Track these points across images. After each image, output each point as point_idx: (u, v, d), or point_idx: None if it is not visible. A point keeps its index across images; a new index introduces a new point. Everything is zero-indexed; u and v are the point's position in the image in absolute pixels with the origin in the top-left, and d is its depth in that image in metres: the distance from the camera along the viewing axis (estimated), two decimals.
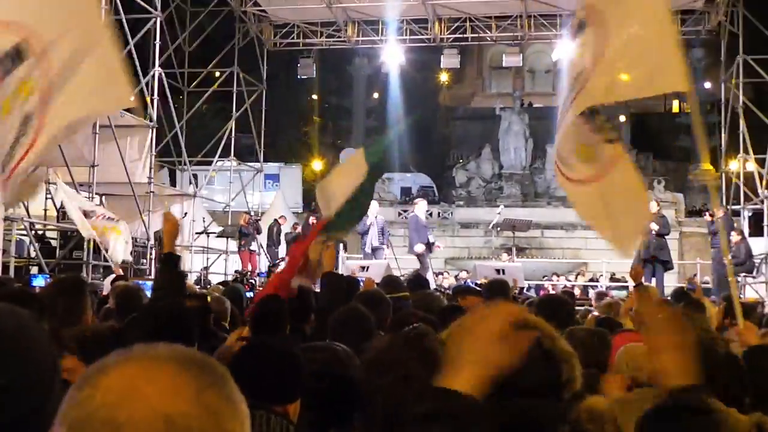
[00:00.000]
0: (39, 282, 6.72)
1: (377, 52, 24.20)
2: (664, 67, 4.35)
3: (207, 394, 1.03)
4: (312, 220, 18.04)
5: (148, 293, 6.10)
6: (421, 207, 16.20)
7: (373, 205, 15.66)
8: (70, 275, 6.87)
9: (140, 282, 6.68)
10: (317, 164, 40.41)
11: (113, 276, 9.98)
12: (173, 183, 24.11)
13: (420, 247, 15.06)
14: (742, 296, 13.78)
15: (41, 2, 5.82)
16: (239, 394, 1.08)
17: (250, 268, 18.63)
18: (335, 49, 25.48)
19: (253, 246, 19.53)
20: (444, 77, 43.07)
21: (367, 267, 14.05)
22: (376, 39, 22.90)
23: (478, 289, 8.22)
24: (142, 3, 17.62)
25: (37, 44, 5.48)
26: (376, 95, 44.64)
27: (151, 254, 16.77)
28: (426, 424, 1.49)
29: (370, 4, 21.18)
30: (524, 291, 13.73)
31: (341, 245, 20.48)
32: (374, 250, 16.12)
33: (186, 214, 18.81)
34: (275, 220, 20.94)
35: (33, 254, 14.74)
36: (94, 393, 1.01)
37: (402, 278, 17.20)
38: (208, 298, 5.55)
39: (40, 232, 16.13)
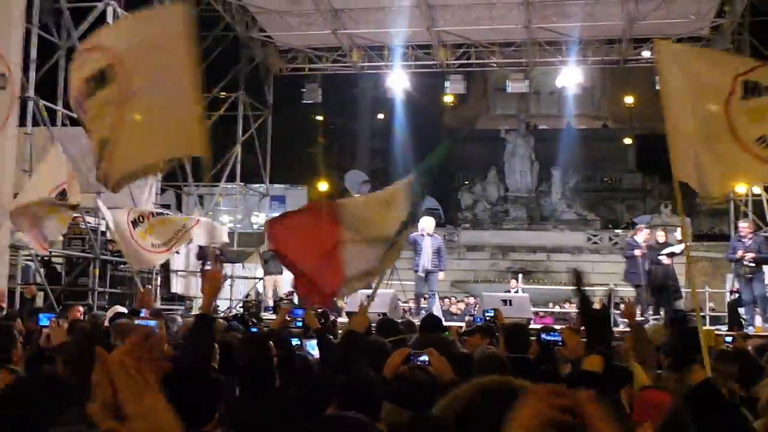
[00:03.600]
0: (45, 323, 6.68)
1: (383, 76, 24.25)
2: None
3: None
4: None
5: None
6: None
7: (428, 221, 15.33)
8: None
9: (145, 321, 6.63)
10: (323, 185, 40.42)
11: (117, 309, 9.95)
12: (179, 206, 24.13)
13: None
14: None
15: (137, 34, 5.88)
16: None
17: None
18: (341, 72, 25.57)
19: None
20: (449, 98, 43.13)
21: (373, 297, 13.95)
22: (381, 64, 22.97)
23: (485, 326, 8.12)
24: None
25: (121, 72, 5.56)
26: (381, 116, 44.66)
27: (157, 281, 16.77)
28: None
29: (375, 30, 21.27)
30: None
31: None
32: (428, 273, 15.02)
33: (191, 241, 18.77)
34: None
35: (39, 280, 14.72)
36: None
37: (405, 309, 17.15)
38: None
39: (46, 258, 16.13)
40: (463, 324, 13.88)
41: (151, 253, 13.26)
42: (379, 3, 20.52)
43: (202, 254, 16.73)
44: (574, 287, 2.57)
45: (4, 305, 6.51)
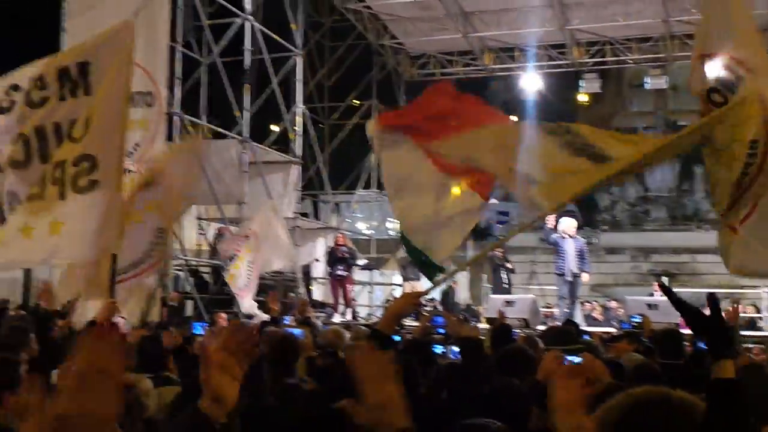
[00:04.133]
0: (198, 331, 6.92)
1: (514, 77, 23.97)
2: None
3: None
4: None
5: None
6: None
7: (569, 222, 14.69)
8: None
9: (293, 330, 6.75)
10: (456, 189, 40.29)
11: (263, 317, 10.18)
12: (316, 214, 24.58)
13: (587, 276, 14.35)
14: None
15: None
16: None
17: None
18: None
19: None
20: (583, 98, 42.20)
21: (513, 302, 13.77)
22: (513, 66, 22.73)
23: (632, 332, 7.84)
24: (284, 42, 18.12)
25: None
26: (513, 118, 44.12)
27: (298, 289, 17.12)
28: None
29: (506, 32, 21.06)
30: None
31: (485, 276, 20.31)
32: (573, 277, 14.29)
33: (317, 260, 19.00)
34: None
35: (188, 289, 15.30)
36: None
37: (550, 315, 16.77)
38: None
39: (194, 268, 16.75)
40: (607, 329, 13.53)
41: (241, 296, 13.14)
42: (510, 4, 20.30)
43: (332, 259, 16.87)
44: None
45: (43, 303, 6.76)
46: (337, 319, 14.99)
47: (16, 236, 5.96)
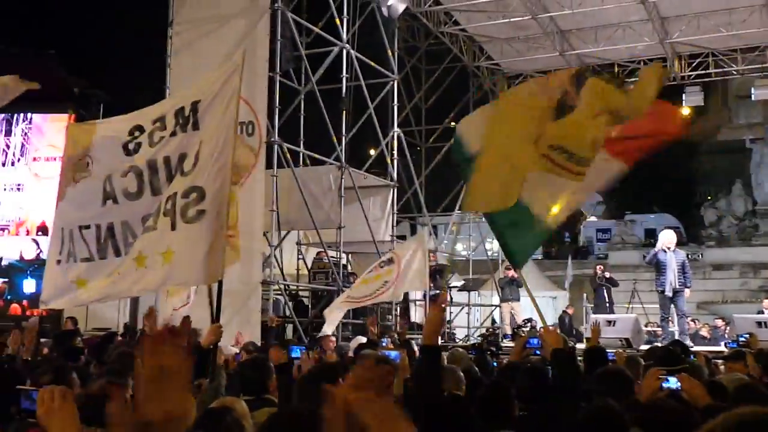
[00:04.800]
0: (296, 354, 7.06)
1: None
2: None
3: None
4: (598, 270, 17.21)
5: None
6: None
7: (669, 236, 14.35)
8: None
9: (389, 352, 6.81)
10: (555, 207, 39.75)
11: (359, 340, 10.30)
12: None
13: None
14: None
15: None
16: None
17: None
18: None
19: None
20: (685, 111, 41.12)
21: (614, 322, 13.52)
22: None
23: (739, 350, 7.62)
24: (380, 68, 18.36)
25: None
26: None
27: (396, 311, 17.21)
28: None
29: (603, 48, 20.80)
30: None
31: (585, 296, 19.99)
32: (675, 293, 13.83)
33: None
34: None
35: (288, 313, 15.59)
36: None
37: (654, 334, 16.32)
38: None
39: (294, 292, 17.04)
40: (714, 348, 13.14)
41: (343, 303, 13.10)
42: (607, 20, 20.07)
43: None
44: None
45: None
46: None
47: (130, 265, 6.27)
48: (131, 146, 6.61)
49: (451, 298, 19.75)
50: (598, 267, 18.84)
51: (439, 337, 4.24)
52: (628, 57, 21.70)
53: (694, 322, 20.17)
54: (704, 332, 19.10)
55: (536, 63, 22.32)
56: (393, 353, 7.14)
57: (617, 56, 21.54)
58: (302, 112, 16.95)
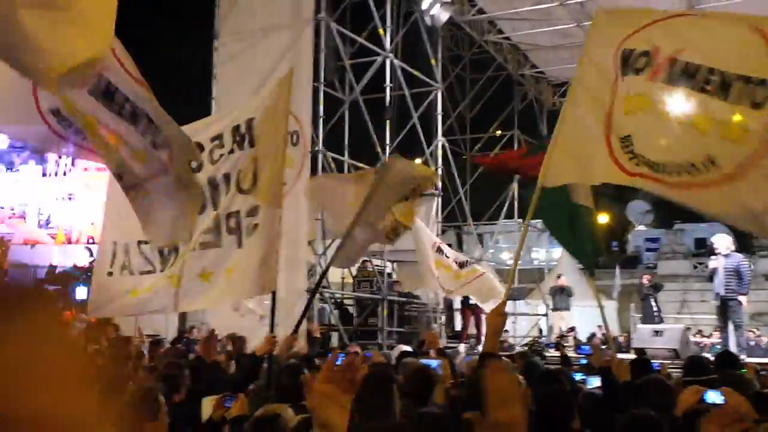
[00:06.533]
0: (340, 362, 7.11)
1: None
2: None
3: None
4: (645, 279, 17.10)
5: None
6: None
7: (722, 239, 13.21)
8: None
9: (427, 361, 6.83)
10: (603, 217, 39.38)
11: (402, 348, 10.33)
12: (460, 245, 24.66)
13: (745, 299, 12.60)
14: None
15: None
16: None
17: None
18: None
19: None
20: None
21: (662, 332, 13.32)
22: None
23: None
24: (424, 77, 18.41)
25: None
26: None
27: (441, 320, 17.19)
28: None
29: None
30: None
31: (632, 305, 19.76)
32: (724, 302, 12.72)
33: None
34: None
35: (333, 321, 15.66)
36: None
37: (703, 345, 16.04)
38: None
39: (338, 301, 17.12)
40: (764, 360, 12.82)
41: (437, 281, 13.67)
42: None
43: None
44: None
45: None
46: (481, 348, 14.92)
47: (195, 281, 6.42)
48: (193, 165, 6.76)
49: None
50: (644, 277, 18.63)
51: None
52: None
53: (753, 332, 19.63)
54: (762, 343, 18.74)
55: None
56: (434, 362, 7.16)
57: None
58: (346, 121, 17.07)
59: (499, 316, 3.95)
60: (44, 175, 19.93)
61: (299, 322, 6.33)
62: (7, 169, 20.14)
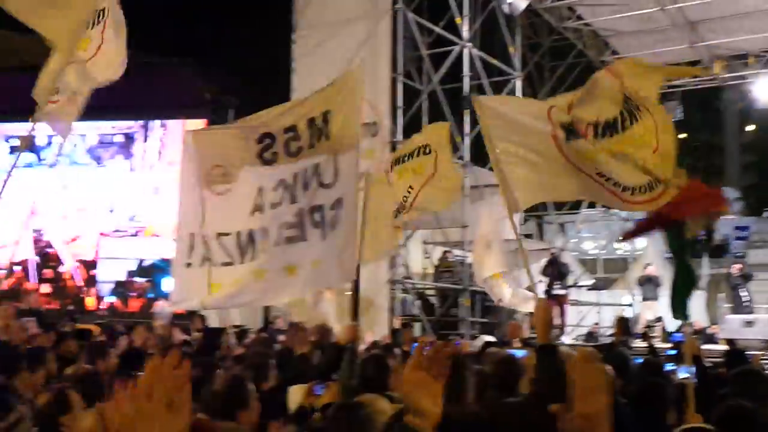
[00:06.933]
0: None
1: (748, 85, 22.64)
2: None
3: None
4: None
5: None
6: None
7: None
8: None
9: (516, 351, 6.79)
10: None
11: (485, 338, 10.29)
12: (541, 236, 24.38)
13: None
14: None
15: None
16: None
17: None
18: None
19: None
20: None
21: (753, 322, 12.95)
22: (747, 73, 21.49)
23: None
24: (503, 66, 18.24)
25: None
26: (750, 128, 41.57)
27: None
28: None
29: (737, 38, 19.95)
30: None
31: (719, 296, 19.21)
32: None
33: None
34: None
35: (415, 312, 15.69)
36: None
37: None
38: None
39: (421, 291, 17.14)
40: None
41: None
42: (740, 9, 19.19)
43: (546, 273, 16.57)
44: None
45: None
46: (566, 339, 14.78)
47: (280, 273, 6.49)
48: (266, 155, 6.78)
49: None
50: (734, 266, 18.10)
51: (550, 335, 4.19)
52: (766, 47, 20.75)
53: None
54: None
55: (665, 56, 21.59)
56: (520, 352, 7.11)
57: (754, 46, 20.62)
58: (424, 111, 17.02)
59: (546, 311, 4.12)
60: (131, 170, 20.44)
61: (354, 309, 6.26)
62: (97, 164, 20.74)
